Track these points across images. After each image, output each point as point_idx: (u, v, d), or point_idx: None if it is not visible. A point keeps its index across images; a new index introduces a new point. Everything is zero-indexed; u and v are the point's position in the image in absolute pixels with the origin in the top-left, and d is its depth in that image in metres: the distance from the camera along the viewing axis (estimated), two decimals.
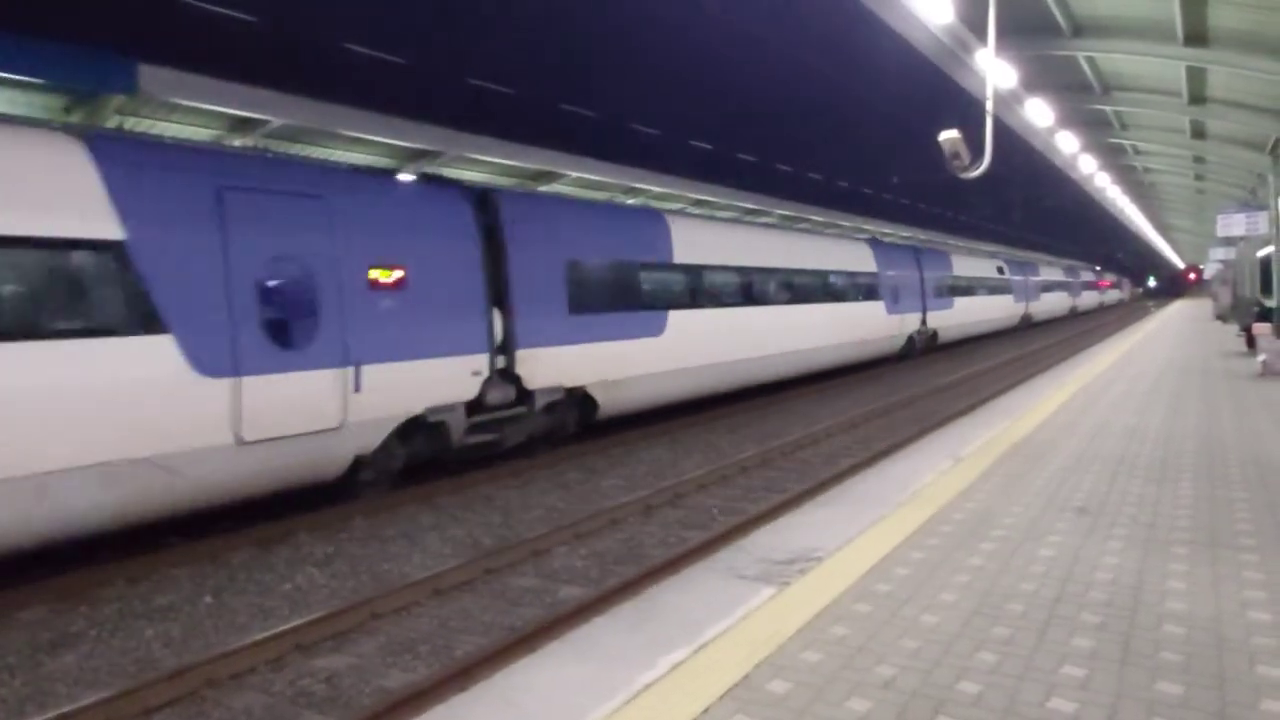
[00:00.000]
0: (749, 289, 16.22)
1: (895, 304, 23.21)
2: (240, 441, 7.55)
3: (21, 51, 8.90)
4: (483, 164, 16.97)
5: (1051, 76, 15.21)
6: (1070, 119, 18.21)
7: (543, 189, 18.60)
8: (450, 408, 9.76)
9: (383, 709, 4.53)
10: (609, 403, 12.36)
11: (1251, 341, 16.68)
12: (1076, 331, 41.25)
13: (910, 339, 24.84)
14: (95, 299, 6.85)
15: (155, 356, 7.04)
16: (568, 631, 4.88)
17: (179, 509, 7.49)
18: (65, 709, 4.66)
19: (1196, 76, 14.51)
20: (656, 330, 13.38)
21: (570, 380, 11.56)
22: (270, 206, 8.09)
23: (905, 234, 38.55)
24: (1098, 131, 20.49)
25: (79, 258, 6.76)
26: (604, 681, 3.70)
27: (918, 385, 19.44)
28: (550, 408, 11.32)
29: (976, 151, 9.58)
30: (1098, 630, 4.03)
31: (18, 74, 9.01)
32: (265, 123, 11.95)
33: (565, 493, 9.86)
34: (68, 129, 7.77)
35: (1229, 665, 3.64)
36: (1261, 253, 20.82)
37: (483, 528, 8.47)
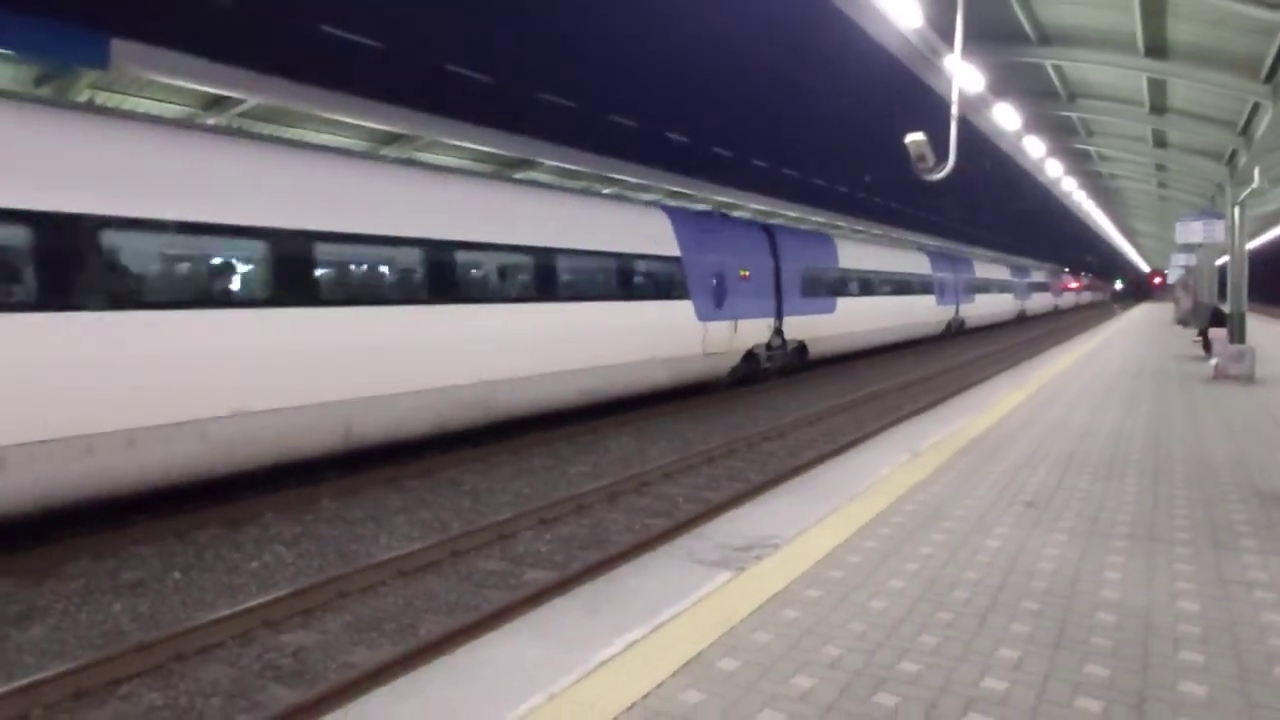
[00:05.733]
0: (873, 285, 25.13)
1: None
2: (705, 353, 16.14)
3: None
4: (457, 149, 16.95)
5: (1019, 82, 15.54)
6: (1037, 123, 18.59)
7: (519, 176, 18.63)
8: (761, 345, 18.47)
9: (346, 683, 4.65)
10: (814, 351, 21.17)
11: (1208, 346, 17.18)
12: (1044, 331, 41.95)
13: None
14: (673, 281, 15.40)
15: (688, 310, 15.64)
16: (529, 612, 5.02)
17: (679, 382, 15.78)
18: (34, 677, 4.73)
19: (1157, 87, 14.90)
20: (831, 310, 22.04)
21: (800, 336, 20.15)
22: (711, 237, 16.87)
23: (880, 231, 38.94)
24: (1064, 137, 20.92)
25: (670, 265, 15.40)
26: (562, 658, 3.86)
27: (883, 380, 19.79)
28: (794, 350, 20.11)
29: (942, 154, 9.84)
30: (1035, 616, 4.25)
31: None
32: (239, 102, 11.87)
33: (532, 478, 9.99)
34: (663, 208, 16.63)
35: (1154, 650, 3.86)
36: (1220, 260, 21.35)
37: (451, 511, 8.58)
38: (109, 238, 7.34)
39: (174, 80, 10.56)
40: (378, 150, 15.42)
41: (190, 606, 6.10)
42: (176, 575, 6.67)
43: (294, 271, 8.79)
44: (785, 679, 3.55)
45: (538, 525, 8.10)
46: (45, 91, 9.93)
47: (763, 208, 28.61)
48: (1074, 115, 18.05)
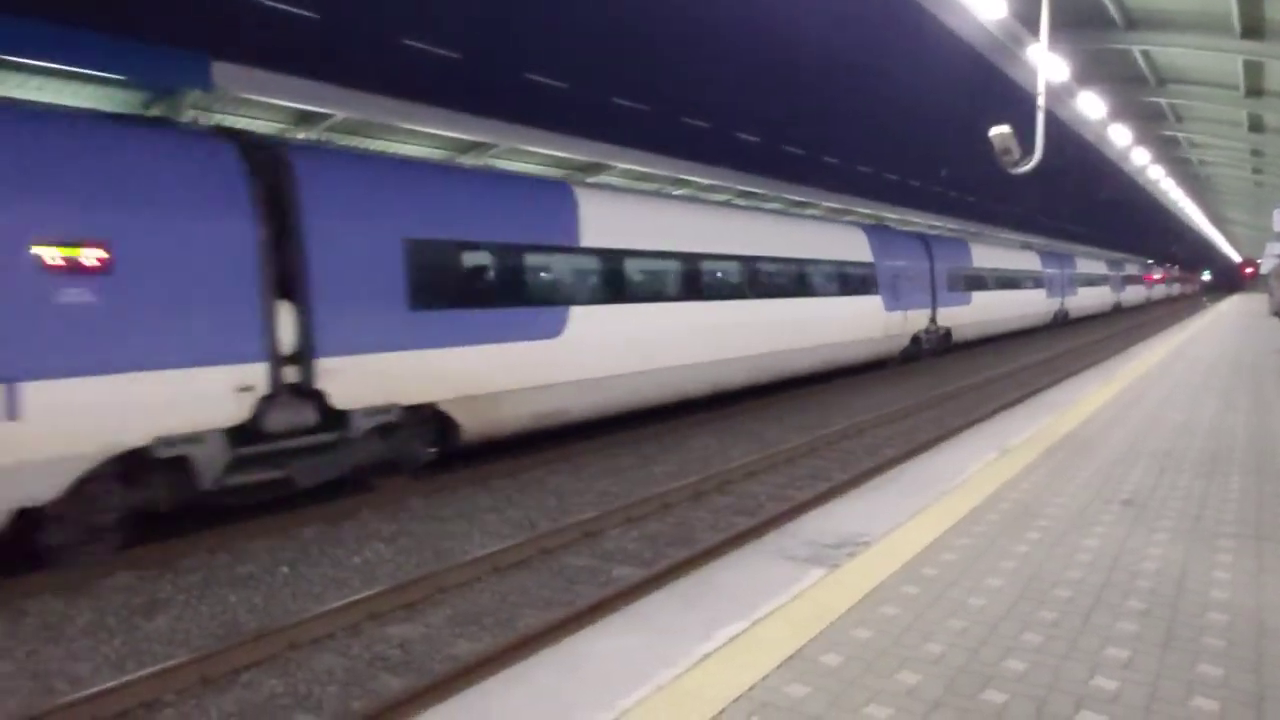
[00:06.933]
0: (998, 281, 28.22)
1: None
2: (887, 336, 19.93)
3: (106, 51, 9.38)
4: (533, 155, 17.28)
5: (1104, 69, 15.06)
6: (1123, 112, 17.97)
7: (592, 180, 18.87)
8: (922, 330, 21.97)
9: (455, 673, 4.85)
10: (956, 336, 24.70)
11: None
12: (1126, 326, 40.48)
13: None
14: (869, 281, 19.19)
15: (878, 303, 19.42)
16: (625, 606, 5.15)
17: (871, 358, 20.03)
18: (164, 665, 5.06)
19: (1254, 70, 14.27)
20: (969, 302, 25.32)
21: (947, 323, 23.72)
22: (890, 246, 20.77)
23: (952, 226, 38.17)
24: (1151, 124, 20.17)
25: (867, 269, 19.27)
26: (663, 650, 3.96)
27: (963, 378, 19.40)
28: (943, 335, 23.59)
29: (1026, 146, 9.61)
30: (1142, 616, 4.18)
31: (103, 72, 9.49)
32: (328, 116, 12.38)
33: (617, 477, 10.15)
34: (858, 224, 21.41)
35: (1269, 651, 3.77)
36: None
37: (538, 510, 8.79)
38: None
39: (269, 98, 11.08)
40: (455, 158, 15.84)
41: (300, 599, 6.42)
42: (285, 570, 7.02)
43: (697, 277, 13.76)
44: (889, 674, 3.59)
45: (624, 523, 8.23)
46: (155, 112, 10.52)
47: (835, 205, 28.40)
48: (1163, 101, 17.41)
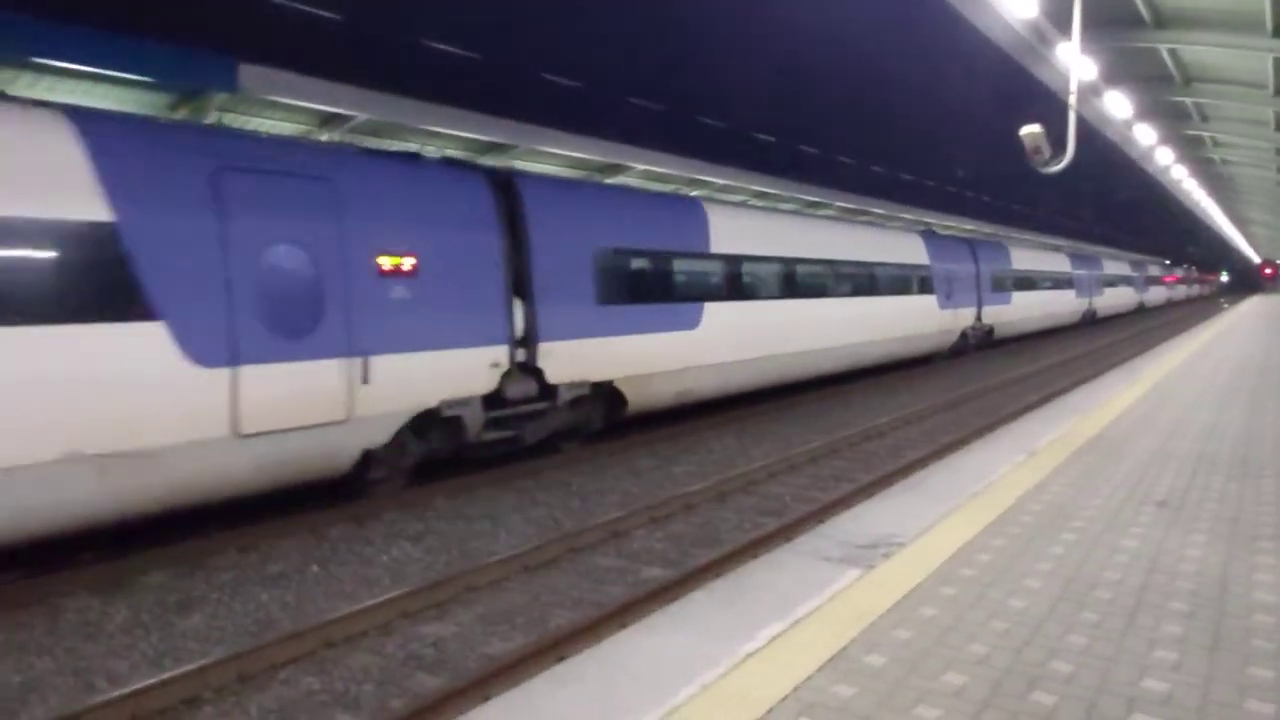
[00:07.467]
0: (1035, 283, 30.52)
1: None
2: (940, 331, 22.07)
3: (134, 53, 9.46)
4: (551, 156, 17.30)
5: (1131, 68, 14.93)
6: (1148, 111, 17.82)
7: (609, 181, 18.89)
8: (968, 327, 24.03)
9: (497, 670, 4.86)
10: (998, 333, 26.65)
11: None
12: (1147, 327, 40.15)
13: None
14: (926, 282, 21.13)
15: (934, 302, 21.47)
16: (664, 605, 5.14)
17: (927, 351, 22.05)
18: (201, 662, 5.09)
19: None
20: (1009, 302, 27.24)
21: (991, 321, 25.79)
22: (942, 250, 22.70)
23: (968, 226, 37.97)
24: (1176, 123, 20.00)
25: (925, 271, 21.23)
26: (706, 650, 3.96)
27: (982, 379, 19.29)
28: (986, 332, 25.82)
29: (1056, 146, 9.54)
30: (1186, 618, 4.14)
31: (131, 74, 9.57)
32: (351, 118, 12.43)
33: (638, 479, 10.15)
34: (916, 230, 24.44)
35: None
36: None
37: (562, 510, 8.80)
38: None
39: (295, 100, 11.15)
40: (476, 159, 15.88)
41: (331, 597, 6.44)
42: (315, 568, 7.05)
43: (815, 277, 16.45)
44: (935, 675, 3.57)
45: (649, 524, 8.23)
46: (181, 115, 10.60)
47: (850, 205, 28.31)
48: (1188, 100, 17.25)
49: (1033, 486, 6.86)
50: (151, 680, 4.86)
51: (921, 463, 10.16)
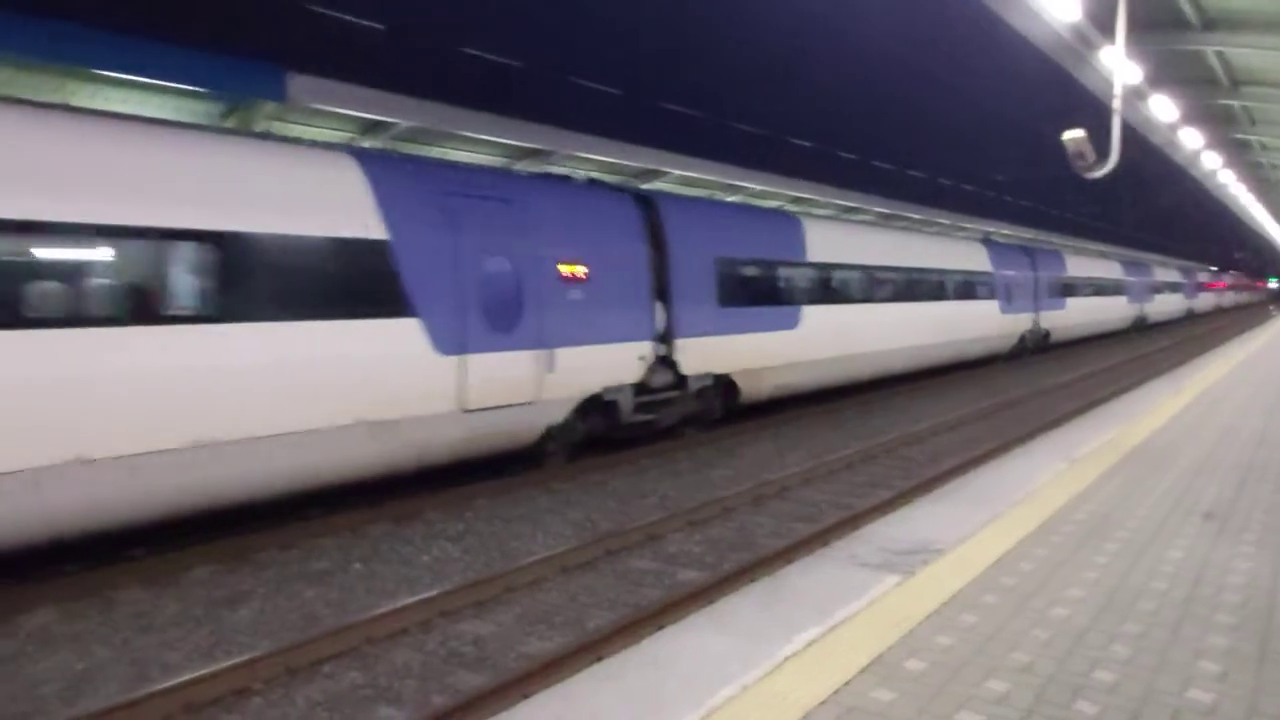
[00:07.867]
0: (1088, 289, 31.38)
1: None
2: (1000, 334, 23.15)
3: (185, 63, 9.72)
4: (588, 162, 17.41)
5: (1177, 71, 14.67)
6: (1195, 115, 17.48)
7: (645, 187, 18.96)
8: (1026, 331, 24.88)
9: (537, 668, 4.93)
10: (1054, 337, 27.75)
11: None
12: (1194, 334, 39.32)
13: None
14: (989, 288, 22.07)
15: (995, 307, 22.83)
16: (701, 607, 5.19)
17: (988, 354, 23.05)
18: (251, 654, 5.23)
19: None
20: (1064, 307, 28.12)
21: (1047, 326, 26.51)
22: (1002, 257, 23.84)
23: (1008, 232, 37.43)
24: (1223, 127, 19.59)
25: (988, 278, 22.32)
26: (746, 651, 4.00)
27: (1023, 386, 19.04)
28: (1043, 336, 26.62)
29: (1100, 151, 9.41)
30: (1232, 630, 4.09)
31: (182, 83, 9.84)
32: (393, 125, 12.64)
33: (676, 480, 10.20)
34: (979, 240, 25.08)
35: None
36: None
37: (599, 512, 8.87)
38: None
39: (341, 109, 11.37)
40: (512, 165, 16.05)
41: (374, 595, 6.56)
42: (358, 566, 7.19)
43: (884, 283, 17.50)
44: (977, 682, 3.57)
45: (686, 527, 8.27)
46: (230, 123, 10.86)
47: (885, 210, 28.08)
48: (1236, 104, 16.90)
49: (1075, 495, 6.79)
50: (204, 671, 5.01)
51: (960, 470, 10.07)
